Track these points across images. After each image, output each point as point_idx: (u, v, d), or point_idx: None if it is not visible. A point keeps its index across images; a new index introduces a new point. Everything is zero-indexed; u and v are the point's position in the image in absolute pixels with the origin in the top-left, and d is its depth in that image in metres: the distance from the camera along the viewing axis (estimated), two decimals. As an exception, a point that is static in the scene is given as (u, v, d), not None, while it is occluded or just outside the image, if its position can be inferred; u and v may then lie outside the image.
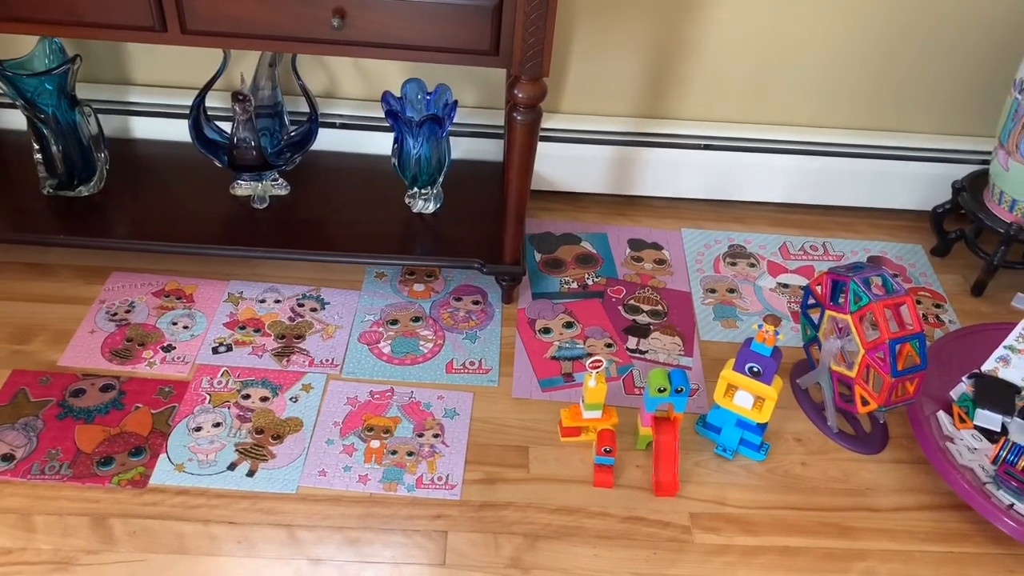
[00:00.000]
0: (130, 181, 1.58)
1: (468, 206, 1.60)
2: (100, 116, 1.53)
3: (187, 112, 1.48)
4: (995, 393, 1.37)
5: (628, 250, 1.70)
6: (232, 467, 1.25)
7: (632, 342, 1.50)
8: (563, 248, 1.69)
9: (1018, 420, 1.34)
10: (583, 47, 1.62)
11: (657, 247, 1.71)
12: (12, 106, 1.62)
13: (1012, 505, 1.22)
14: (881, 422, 1.39)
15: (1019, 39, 1.57)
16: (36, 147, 1.48)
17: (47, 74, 1.40)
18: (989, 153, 1.64)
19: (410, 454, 1.29)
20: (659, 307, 1.58)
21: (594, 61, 1.64)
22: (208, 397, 1.34)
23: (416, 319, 1.51)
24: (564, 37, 1.60)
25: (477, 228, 1.55)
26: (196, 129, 1.48)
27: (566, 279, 1.62)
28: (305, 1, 1.18)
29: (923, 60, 1.65)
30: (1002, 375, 1.40)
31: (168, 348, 1.42)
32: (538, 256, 1.67)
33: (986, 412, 1.34)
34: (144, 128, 1.69)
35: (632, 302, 1.58)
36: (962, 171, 1.71)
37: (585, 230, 1.74)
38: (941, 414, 1.36)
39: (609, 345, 1.50)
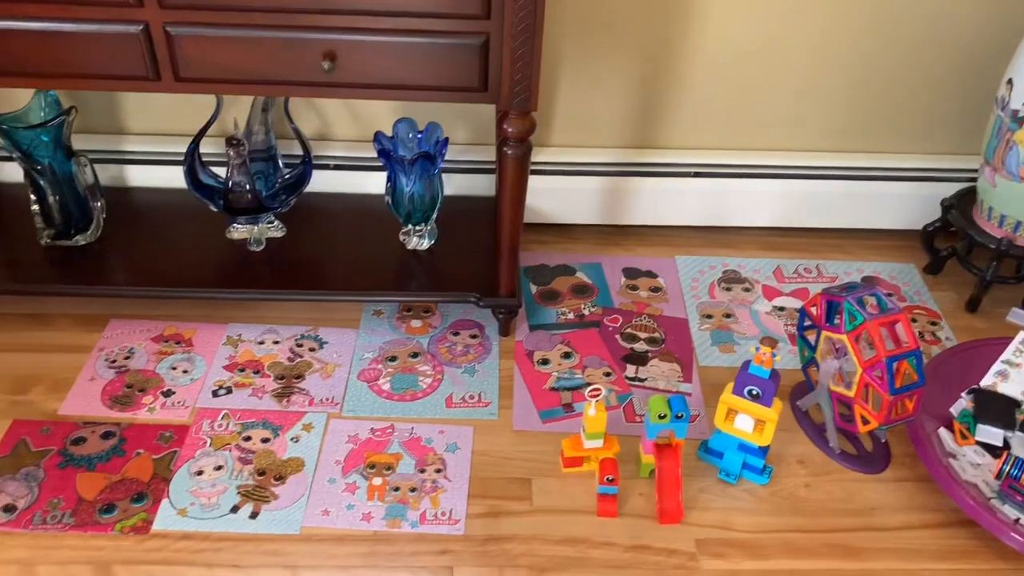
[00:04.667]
0: (127, 228, 1.60)
1: (462, 241, 1.61)
2: (96, 165, 1.55)
3: (182, 159, 1.50)
4: (995, 408, 1.37)
5: (623, 279, 1.71)
6: (235, 510, 1.25)
7: (631, 370, 1.51)
8: (558, 279, 1.70)
9: (1019, 434, 1.34)
10: (571, 80, 1.65)
11: (652, 275, 1.72)
12: (9, 159, 1.64)
13: (1018, 520, 1.21)
14: (883, 441, 1.39)
15: (1000, 58, 1.60)
16: (33, 198, 1.49)
17: (43, 126, 1.42)
18: (976, 170, 1.66)
19: (413, 490, 1.29)
20: (656, 334, 1.58)
21: (582, 94, 1.66)
22: (209, 440, 1.34)
23: (414, 355, 1.51)
24: (552, 71, 1.63)
25: (472, 263, 1.56)
26: (191, 175, 1.50)
27: (562, 310, 1.63)
28: (295, 45, 1.21)
29: (909, 82, 1.68)
30: (1001, 390, 1.40)
31: (168, 393, 1.42)
32: (534, 288, 1.68)
33: (987, 427, 1.34)
34: (140, 176, 1.71)
35: (629, 330, 1.59)
36: (950, 189, 1.73)
37: (579, 261, 1.75)
38: (942, 431, 1.36)
39: (608, 374, 1.50)
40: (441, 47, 1.21)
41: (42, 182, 1.47)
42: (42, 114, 1.48)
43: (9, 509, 1.23)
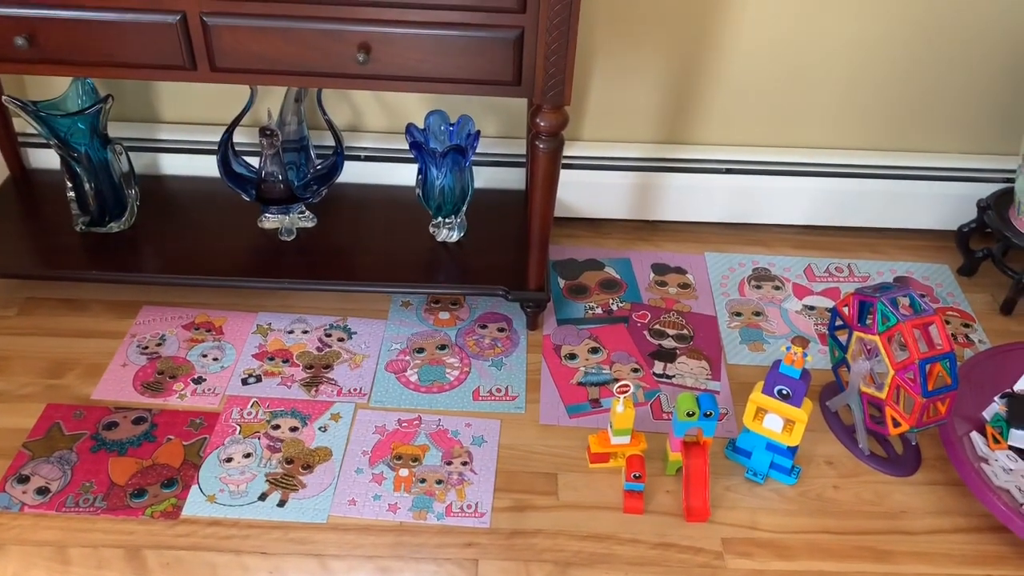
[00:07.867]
0: (160, 217, 1.61)
1: (491, 234, 1.61)
2: (130, 154, 1.56)
3: (215, 148, 1.51)
4: (1029, 413, 1.35)
5: (652, 275, 1.70)
6: (263, 497, 1.26)
7: (659, 367, 1.50)
8: (587, 274, 1.70)
9: (1054, 440, 1.32)
10: (603, 75, 1.64)
11: (681, 271, 1.71)
12: (46, 145, 1.66)
13: (1051, 526, 1.20)
14: (913, 444, 1.37)
15: (1040, 57, 1.57)
16: (69, 185, 1.51)
17: (80, 114, 1.43)
18: (1014, 171, 1.63)
19: (439, 482, 1.29)
20: (685, 331, 1.57)
21: (615, 88, 1.66)
22: (238, 428, 1.36)
23: (442, 347, 1.52)
24: (584, 65, 1.62)
25: (501, 256, 1.56)
26: (224, 164, 1.51)
27: (590, 305, 1.62)
28: (330, 37, 1.21)
29: (945, 80, 1.65)
30: (1035, 394, 1.39)
31: (199, 380, 1.43)
32: (562, 282, 1.67)
33: (1021, 432, 1.32)
34: (173, 164, 1.72)
35: (657, 327, 1.58)
36: (987, 190, 1.70)
37: (608, 256, 1.75)
38: (974, 435, 1.34)
39: (635, 370, 1.49)
40: (476, 40, 1.20)
41: (78, 169, 1.48)
42: (79, 102, 1.49)
43: (43, 491, 1.25)
